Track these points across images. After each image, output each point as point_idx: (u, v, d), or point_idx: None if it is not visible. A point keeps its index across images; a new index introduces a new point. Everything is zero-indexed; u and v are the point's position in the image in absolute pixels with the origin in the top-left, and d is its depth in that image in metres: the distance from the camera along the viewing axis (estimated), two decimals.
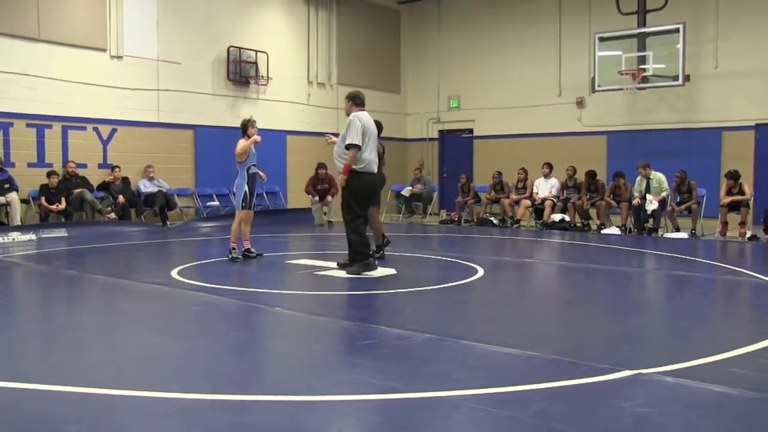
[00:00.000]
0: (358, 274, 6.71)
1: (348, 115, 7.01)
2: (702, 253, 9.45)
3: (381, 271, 6.96)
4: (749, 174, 12.19)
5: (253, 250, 8.11)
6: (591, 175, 12.82)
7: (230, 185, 8.12)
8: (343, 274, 6.83)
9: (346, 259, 7.11)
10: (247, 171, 7.84)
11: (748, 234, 10.86)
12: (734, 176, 11.22)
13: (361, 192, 6.90)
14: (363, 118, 6.89)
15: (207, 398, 3.13)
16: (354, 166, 6.80)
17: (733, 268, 7.81)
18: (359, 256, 6.83)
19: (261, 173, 8.09)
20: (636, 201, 11.71)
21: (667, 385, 3.32)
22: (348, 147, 6.78)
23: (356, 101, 7.03)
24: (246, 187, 7.84)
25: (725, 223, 11.19)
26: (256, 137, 7.81)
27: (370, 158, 6.89)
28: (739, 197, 11.18)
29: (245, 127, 7.93)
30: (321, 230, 12.66)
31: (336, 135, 7.36)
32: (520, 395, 3.16)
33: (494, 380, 3.40)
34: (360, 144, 6.75)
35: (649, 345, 4.34)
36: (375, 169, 7.00)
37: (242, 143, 7.78)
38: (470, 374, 3.52)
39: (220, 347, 4.24)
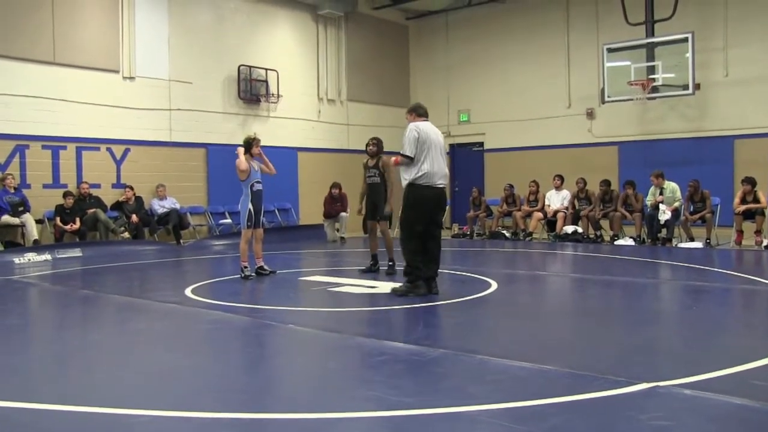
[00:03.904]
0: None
1: None
2: (717, 263, 9.37)
3: (393, 287, 6.95)
4: (764, 182, 12.08)
5: (266, 267, 8.12)
6: (606, 184, 12.79)
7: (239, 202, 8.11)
8: (357, 290, 6.82)
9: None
10: (251, 188, 7.84)
11: (765, 242, 10.75)
12: (751, 182, 11.15)
13: (415, 206, 6.31)
14: (422, 127, 6.37)
15: (222, 417, 3.13)
16: (410, 178, 6.29)
17: (749, 277, 7.72)
18: (409, 277, 6.39)
19: (270, 167, 8.06)
20: (652, 202, 11.66)
21: (685, 397, 3.28)
22: (407, 156, 6.27)
23: (418, 111, 6.55)
24: (250, 205, 7.80)
25: (740, 232, 11.10)
26: (246, 165, 7.78)
27: (431, 170, 6.28)
28: (753, 205, 11.09)
29: (249, 146, 7.92)
30: (333, 246, 12.67)
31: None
32: (536, 409, 3.14)
33: (510, 395, 3.37)
34: (411, 155, 6.24)
35: (665, 357, 4.30)
36: (438, 182, 6.36)
37: (241, 160, 7.75)
38: (486, 389, 3.49)
39: (234, 365, 4.25)
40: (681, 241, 11.60)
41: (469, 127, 16.91)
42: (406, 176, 6.34)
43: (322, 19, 15.59)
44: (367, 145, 8.31)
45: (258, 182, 7.89)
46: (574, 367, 3.82)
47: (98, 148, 12.10)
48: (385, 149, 8.32)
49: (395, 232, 8.18)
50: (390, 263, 8.10)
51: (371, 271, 8.14)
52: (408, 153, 6.25)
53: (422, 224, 6.36)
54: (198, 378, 3.89)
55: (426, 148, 6.28)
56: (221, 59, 13.72)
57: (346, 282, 7.35)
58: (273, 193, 8.37)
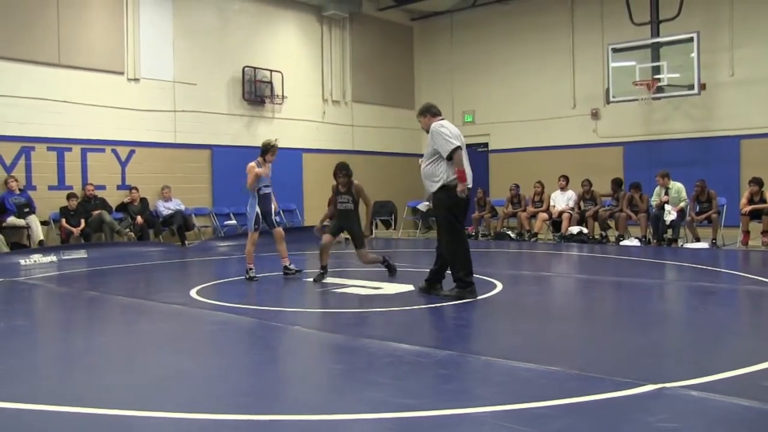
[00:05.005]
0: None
1: (428, 131, 6.32)
2: (724, 263, 9.32)
3: (399, 288, 6.94)
4: None
5: (291, 267, 8.16)
6: (617, 183, 12.77)
7: (247, 204, 8.11)
8: (363, 291, 6.80)
9: (452, 287, 6.46)
10: (258, 192, 7.87)
11: None
12: (759, 182, 11.11)
13: (453, 207, 6.17)
14: (446, 125, 6.27)
15: (227, 418, 3.12)
16: (444, 181, 6.13)
17: (756, 277, 7.68)
18: (460, 283, 6.22)
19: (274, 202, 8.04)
20: (657, 202, 11.63)
21: (693, 399, 3.26)
22: (449, 157, 6.06)
23: (432, 111, 6.40)
24: (258, 208, 7.85)
25: (747, 232, 11.05)
26: (259, 170, 7.74)
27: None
28: (760, 206, 11.04)
29: (266, 151, 7.90)
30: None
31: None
32: (542, 411, 3.12)
33: (516, 396, 3.36)
34: (460, 145, 6.06)
35: (672, 358, 4.27)
36: (469, 182, 6.26)
37: (251, 173, 7.72)
38: (492, 391, 3.48)
39: (239, 367, 4.24)
40: (687, 242, 11.56)
41: (474, 127, 16.88)
42: (436, 178, 6.14)
43: (326, 20, 15.60)
44: (336, 175, 7.92)
45: (266, 186, 7.95)
46: (581, 368, 3.80)
47: (103, 150, 12.14)
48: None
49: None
50: (387, 266, 8.03)
51: (321, 280, 7.74)
52: (456, 143, 6.03)
53: (462, 223, 6.30)
54: (203, 380, 3.88)
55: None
56: (225, 60, 13.74)
57: (351, 283, 7.35)
58: (278, 194, 8.37)
